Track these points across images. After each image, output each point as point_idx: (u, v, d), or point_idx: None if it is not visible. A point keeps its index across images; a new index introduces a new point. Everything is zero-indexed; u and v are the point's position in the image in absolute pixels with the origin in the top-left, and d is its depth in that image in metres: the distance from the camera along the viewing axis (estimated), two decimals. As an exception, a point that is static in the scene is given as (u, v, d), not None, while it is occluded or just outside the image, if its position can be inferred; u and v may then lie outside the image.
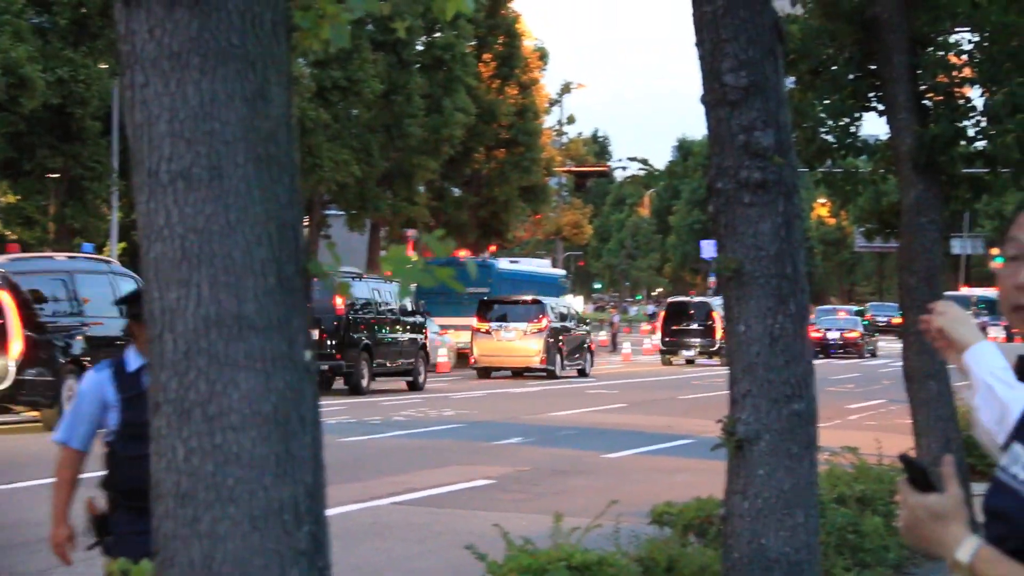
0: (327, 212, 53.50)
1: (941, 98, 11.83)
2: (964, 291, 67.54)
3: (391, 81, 48.28)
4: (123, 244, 41.15)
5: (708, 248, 76.91)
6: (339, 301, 28.71)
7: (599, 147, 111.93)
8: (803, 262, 7.23)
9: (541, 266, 54.46)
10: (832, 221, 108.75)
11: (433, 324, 41.53)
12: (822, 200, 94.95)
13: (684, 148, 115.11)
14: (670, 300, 50.06)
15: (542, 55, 63.41)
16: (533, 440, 20.87)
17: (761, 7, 7.15)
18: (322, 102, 44.15)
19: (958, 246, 76.98)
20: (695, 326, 43.10)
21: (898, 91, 11.65)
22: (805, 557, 6.95)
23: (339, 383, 30.55)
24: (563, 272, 58.71)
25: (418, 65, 51.16)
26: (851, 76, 12.05)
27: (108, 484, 6.22)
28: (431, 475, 16.45)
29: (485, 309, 38.70)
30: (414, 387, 32.78)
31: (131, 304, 6.18)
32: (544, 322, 38.04)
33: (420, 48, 52.02)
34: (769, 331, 7.01)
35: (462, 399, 29.54)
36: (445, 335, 41.89)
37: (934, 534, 2.65)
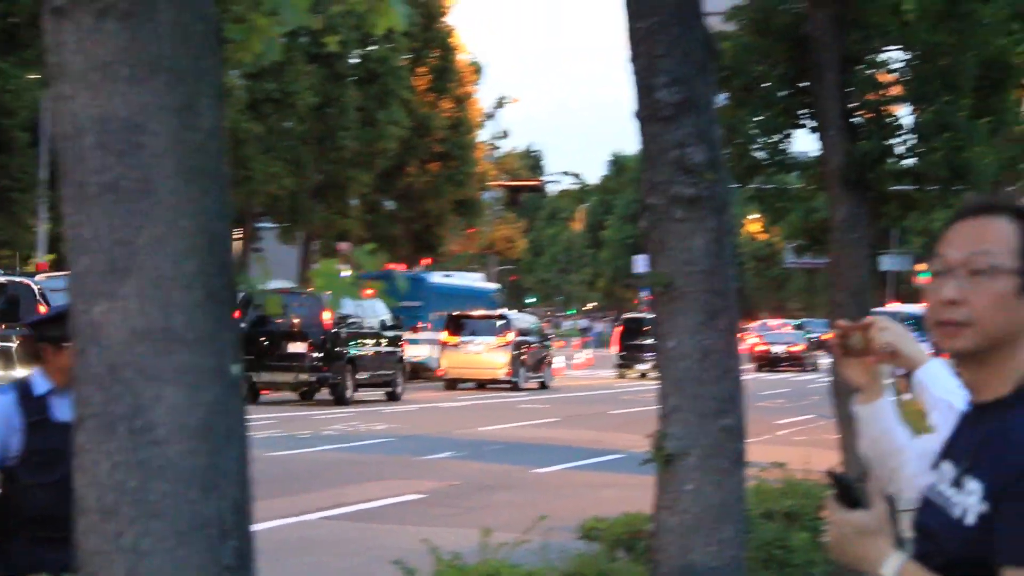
0: (259, 225, 53.25)
1: (871, 116, 11.95)
2: (893, 307, 68.18)
3: (325, 93, 48.17)
4: (51, 256, 40.77)
5: (641, 263, 77.28)
6: (327, 316, 30.31)
7: (533, 161, 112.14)
8: (734, 278, 7.28)
9: (474, 280, 54.50)
10: (763, 237, 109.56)
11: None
12: (753, 216, 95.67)
13: (618, 163, 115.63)
14: (626, 316, 50.83)
15: (476, 69, 63.49)
16: (463, 455, 20.85)
17: (694, 23, 7.20)
18: (255, 114, 43.98)
19: (887, 263, 77.70)
20: (650, 341, 43.54)
21: (829, 108, 11.76)
22: (732, 572, 6.98)
23: (322, 393, 32.15)
24: (496, 286, 58.75)
25: (352, 78, 51.09)
26: (783, 93, 12.15)
27: (4, 512, 5.86)
28: (361, 490, 16.40)
29: (454, 324, 40.16)
30: (393, 397, 33.85)
31: (42, 327, 5.91)
32: (509, 336, 39.52)
33: (354, 61, 51.95)
34: (699, 346, 7.04)
35: (393, 413, 29.46)
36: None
37: (859, 550, 2.67)
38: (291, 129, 47.25)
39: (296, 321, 30.64)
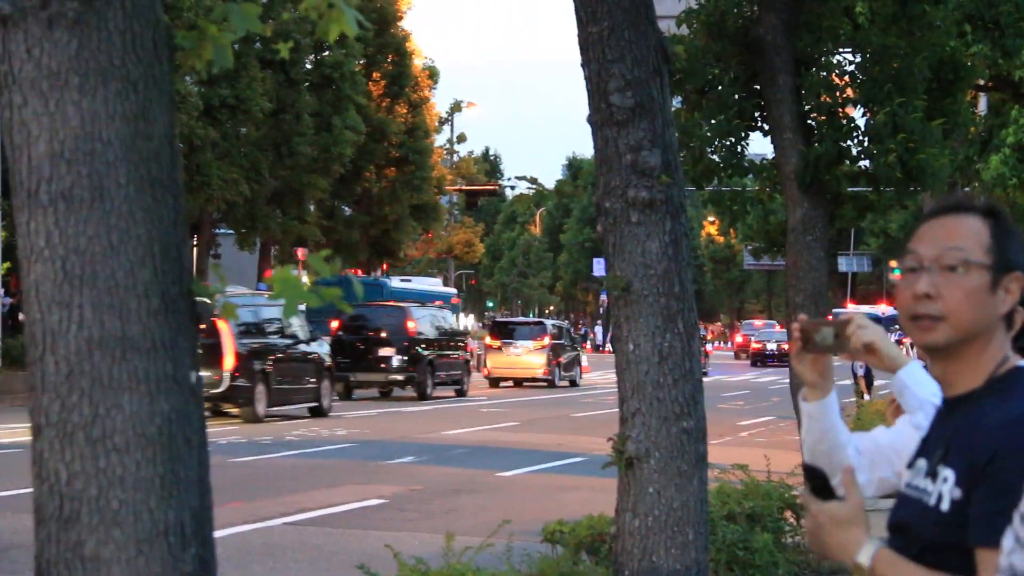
0: (216, 231, 53.05)
1: (824, 118, 12.04)
2: (851, 308, 68.56)
3: (280, 99, 48.02)
4: (7, 264, 40.48)
5: (600, 266, 77.41)
6: (411, 325, 36.07)
7: (490, 166, 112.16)
8: (690, 280, 7.31)
9: (433, 285, 54.45)
10: (721, 239, 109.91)
11: (324, 343, 41.32)
12: (711, 218, 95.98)
13: (574, 166, 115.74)
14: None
15: (432, 74, 63.44)
16: (426, 459, 20.83)
17: (646, 28, 7.23)
18: (210, 120, 43.81)
19: (844, 264, 78.17)
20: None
21: (783, 111, 11.84)
22: (695, 573, 7.01)
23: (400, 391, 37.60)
24: (454, 291, 58.74)
25: (307, 84, 50.95)
26: (736, 96, 12.22)
27: None
28: (323, 495, 16.36)
29: (497, 329, 46.49)
30: (460, 394, 38.92)
31: None
32: (546, 340, 44.67)
33: (309, 67, 51.82)
34: (658, 349, 7.07)
35: (354, 418, 29.41)
36: (337, 355, 41.66)
37: (836, 540, 2.73)
38: (247, 135, 47.09)
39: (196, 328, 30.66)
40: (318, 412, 29.92)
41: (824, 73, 11.93)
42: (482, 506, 15.53)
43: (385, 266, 64.37)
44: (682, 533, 6.97)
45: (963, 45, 12.52)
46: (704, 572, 7.09)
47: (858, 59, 12.14)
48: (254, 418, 26.94)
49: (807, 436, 3.39)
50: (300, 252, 54.88)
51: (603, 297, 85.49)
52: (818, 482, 2.79)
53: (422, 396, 36.43)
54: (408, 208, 60.11)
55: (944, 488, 2.66)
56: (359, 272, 53.89)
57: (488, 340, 45.78)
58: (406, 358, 35.88)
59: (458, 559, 7.40)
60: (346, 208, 59.02)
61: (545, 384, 44.76)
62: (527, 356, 44.31)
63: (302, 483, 17.50)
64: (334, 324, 35.74)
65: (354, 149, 52.55)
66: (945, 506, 2.64)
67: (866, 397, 27.40)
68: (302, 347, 29.52)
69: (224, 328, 26.06)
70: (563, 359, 45.57)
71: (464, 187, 71.46)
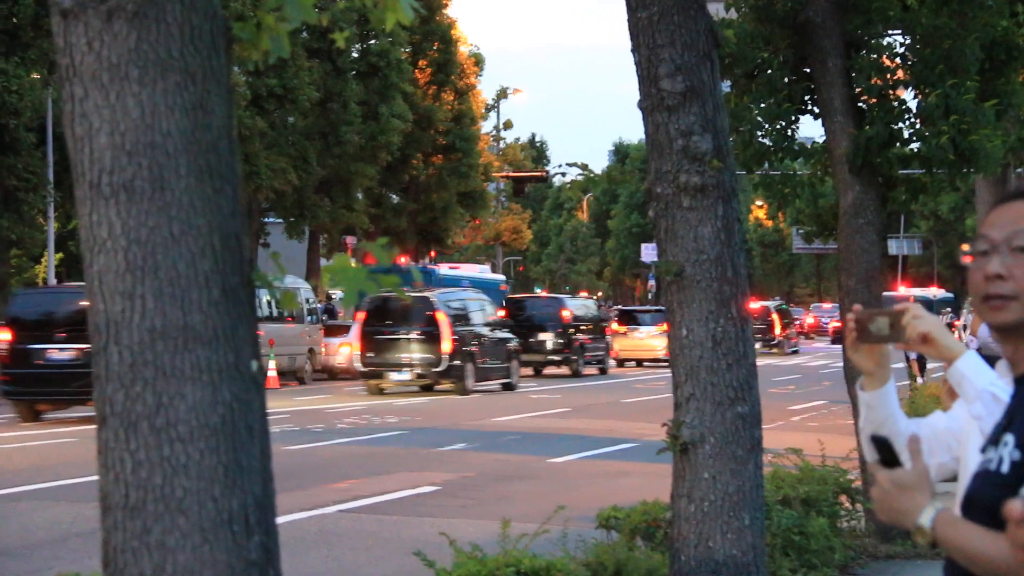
0: (265, 220, 53.29)
1: (875, 100, 11.94)
2: (902, 291, 68.20)
3: (327, 88, 48.19)
4: (60, 255, 40.81)
5: (648, 252, 77.25)
6: (566, 313, 42.29)
7: (537, 152, 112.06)
8: (744, 265, 7.29)
9: (481, 271, 54.52)
10: (770, 223, 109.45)
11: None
12: (759, 202, 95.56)
13: (621, 152, 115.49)
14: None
15: (478, 61, 63.46)
16: (477, 446, 20.88)
17: (696, 12, 7.21)
18: (258, 110, 44.00)
19: (895, 246, 77.68)
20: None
21: (833, 94, 11.75)
22: (752, 559, 7.00)
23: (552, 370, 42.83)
24: (503, 277, 58.79)
25: (354, 72, 51.10)
26: (786, 79, 12.14)
27: None
28: (377, 482, 16.43)
29: (624, 316, 51.84)
30: (603, 372, 44.40)
31: None
32: (665, 325, 50.24)
33: (355, 55, 51.95)
34: (711, 334, 7.06)
35: (405, 406, 29.50)
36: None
37: (900, 504, 2.80)
38: (294, 124, 47.27)
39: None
40: (509, 387, 35.21)
41: (874, 55, 11.83)
42: (535, 492, 15.55)
43: (433, 253, 64.50)
44: (738, 518, 6.96)
45: (1015, 25, 12.36)
46: (761, 557, 7.08)
47: (908, 40, 12.03)
48: (463, 391, 32.85)
49: (865, 425, 3.40)
50: (348, 240, 55.06)
51: (651, 282, 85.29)
52: (885, 452, 2.87)
53: (575, 374, 42.22)
54: (455, 195, 60.21)
55: (1004, 452, 2.75)
56: (409, 259, 53.97)
57: (615, 326, 50.23)
58: (562, 341, 42.16)
59: (514, 545, 7.42)
60: (394, 196, 59.16)
61: (666, 364, 48.12)
62: (650, 339, 49.65)
63: (355, 471, 17.58)
64: (500, 312, 38.22)
65: (401, 137, 52.67)
66: (1005, 468, 2.73)
67: (919, 380, 27.25)
68: (497, 333, 35.26)
69: (443, 318, 32.40)
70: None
71: (511, 174, 71.49)
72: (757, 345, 62.47)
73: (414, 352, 32.73)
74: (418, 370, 32.82)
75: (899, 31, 12.17)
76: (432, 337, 32.31)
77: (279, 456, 3.32)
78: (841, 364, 12.15)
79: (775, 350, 59.33)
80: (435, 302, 32.95)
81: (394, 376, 33.16)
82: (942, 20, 11.67)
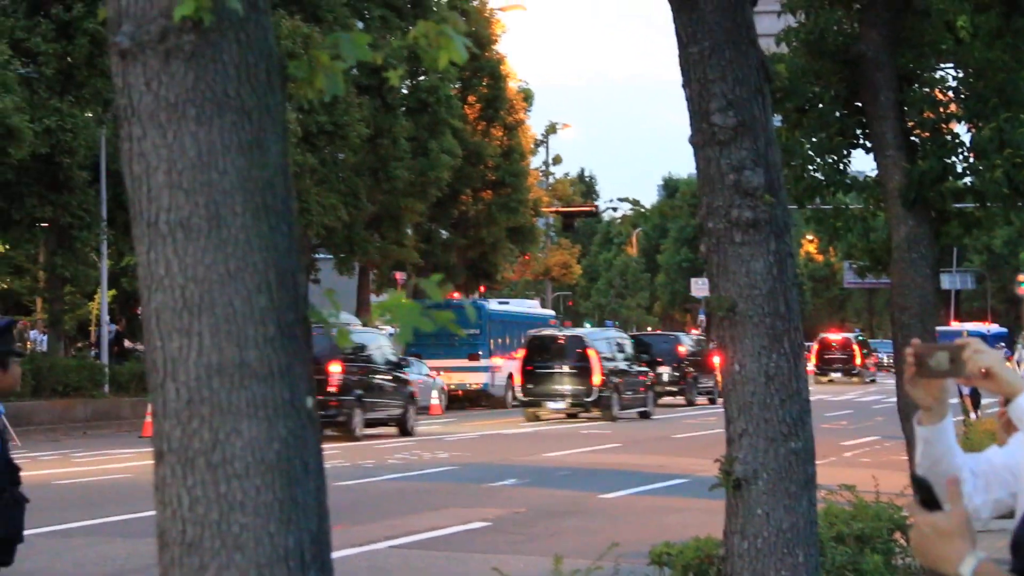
0: (316, 256, 53.51)
1: (928, 134, 11.89)
2: (955, 326, 67.70)
3: (376, 125, 48.41)
4: (113, 292, 41.11)
5: (698, 286, 77.03)
6: (682, 348, 47.64)
7: (586, 186, 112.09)
8: (796, 300, 7.26)
9: (530, 307, 54.53)
10: (821, 258, 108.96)
11: (423, 366, 41.55)
12: (810, 237, 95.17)
13: (670, 187, 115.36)
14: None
15: (527, 96, 63.59)
16: (528, 481, 20.84)
17: (747, 47, 7.20)
18: (308, 147, 44.24)
19: (948, 281, 77.12)
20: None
21: (885, 128, 11.71)
22: (805, 595, 6.94)
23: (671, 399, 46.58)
24: (552, 312, 58.75)
25: (403, 108, 51.32)
26: (838, 113, 12.11)
27: None
28: (427, 518, 16.42)
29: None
30: (712, 402, 46.63)
31: None
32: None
33: (405, 91, 52.18)
34: (764, 370, 7.02)
35: (455, 441, 29.50)
36: (436, 377, 41.89)
37: (940, 551, 2.74)
38: (344, 161, 47.50)
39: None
40: (645, 415, 39.40)
41: (927, 89, 11.79)
42: (586, 528, 15.50)
43: (482, 288, 64.54)
44: (792, 555, 6.91)
45: (1069, 58, 12.30)
46: (814, 594, 7.02)
47: (961, 74, 11.98)
48: (611, 418, 37.32)
49: (922, 460, 3.36)
50: (398, 276, 55.19)
51: (701, 317, 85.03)
52: (925, 494, 2.81)
53: (689, 403, 47.19)
54: (505, 230, 60.27)
55: None
56: (459, 295, 54.06)
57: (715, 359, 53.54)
58: (677, 374, 47.25)
59: (566, 582, 7.39)
60: (443, 231, 59.28)
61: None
62: None
63: (406, 506, 17.58)
64: (522, 351, 40.50)
65: (451, 172, 52.82)
66: None
67: (973, 416, 27.01)
68: (635, 367, 39.99)
69: (593, 355, 37.37)
70: None
71: (560, 209, 71.42)
72: (838, 374, 64.81)
73: (567, 384, 37.49)
74: (571, 400, 37.49)
75: (952, 64, 12.13)
76: (584, 371, 37.30)
77: (330, 491, 3.33)
78: (894, 400, 12.06)
79: (855, 379, 64.51)
80: (587, 340, 38.74)
81: (550, 405, 37.82)
82: (995, 53, 11.62)
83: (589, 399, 37.46)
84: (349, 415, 30.07)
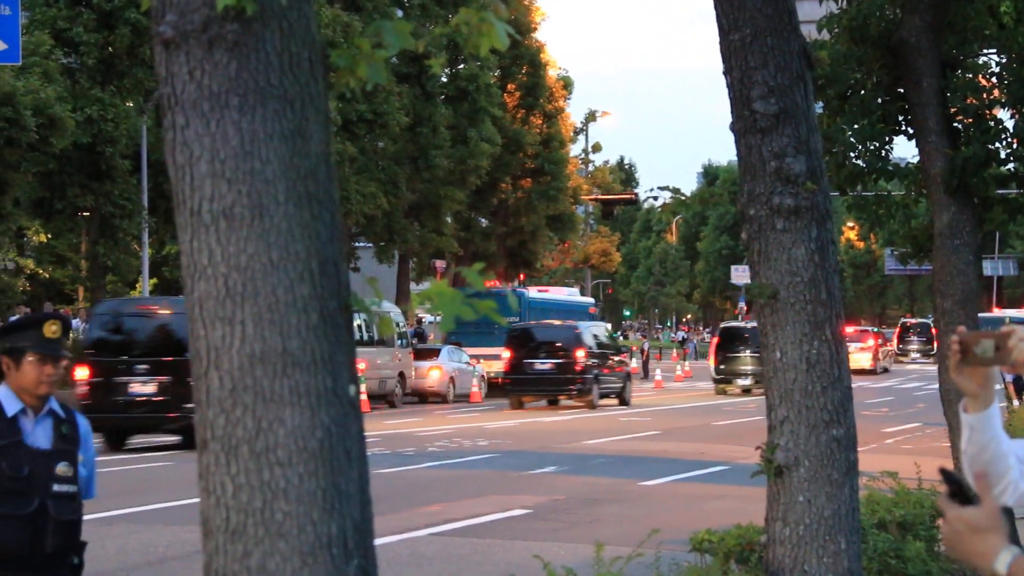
0: (356, 244, 53.64)
1: (971, 120, 11.82)
2: (997, 313, 67.28)
3: (416, 113, 48.45)
4: (154, 280, 41.32)
5: (739, 273, 76.80)
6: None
7: (625, 174, 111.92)
8: (837, 287, 7.23)
9: (570, 295, 54.47)
10: (861, 244, 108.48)
11: (463, 354, 41.62)
12: (851, 223, 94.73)
13: (710, 174, 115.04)
14: (724, 326, 52.88)
15: (566, 84, 63.51)
16: (567, 469, 20.84)
17: (789, 34, 7.17)
18: (348, 135, 44.33)
19: (989, 267, 76.64)
20: (749, 353, 44.92)
21: (928, 114, 11.65)
22: (847, 583, 6.92)
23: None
24: (592, 300, 58.70)
25: (443, 96, 51.36)
26: (880, 100, 12.06)
27: None
28: (468, 505, 16.45)
29: None
30: None
31: (2, 338, 5.17)
32: (869, 342, 61.16)
33: (444, 80, 52.21)
34: (806, 357, 7.00)
35: (495, 429, 29.53)
36: (476, 365, 41.95)
37: (973, 546, 2.71)
38: (384, 149, 47.58)
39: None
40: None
41: (970, 75, 11.72)
42: (626, 515, 15.49)
43: (522, 276, 64.54)
44: (834, 542, 6.89)
45: (1113, 42, 12.19)
46: (856, 582, 7.00)
47: (1005, 60, 11.91)
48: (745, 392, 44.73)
49: (968, 447, 3.35)
50: (438, 264, 55.26)
51: (741, 304, 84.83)
52: (955, 487, 2.78)
53: None
54: (544, 218, 60.26)
55: None
56: (499, 283, 54.08)
57: None
58: None
59: (608, 569, 7.40)
60: (483, 220, 59.31)
61: (873, 374, 60.12)
62: (857, 355, 56.93)
63: (446, 494, 17.61)
64: (715, 339, 47.30)
65: (490, 161, 52.83)
66: None
67: (1015, 403, 26.85)
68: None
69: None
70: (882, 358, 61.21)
71: (600, 196, 71.32)
72: (917, 355, 70.33)
73: (752, 365, 43.76)
74: (753, 378, 43.61)
75: (995, 50, 12.05)
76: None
77: (370, 480, 3.34)
78: (936, 386, 12.00)
79: (933, 359, 67.23)
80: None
81: (739, 382, 45.35)
82: (1038, 38, 11.55)
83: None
84: None
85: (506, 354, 38.33)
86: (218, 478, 3.20)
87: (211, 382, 3.24)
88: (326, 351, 3.28)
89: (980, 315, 12.51)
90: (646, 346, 68.74)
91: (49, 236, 39.94)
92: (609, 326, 48.03)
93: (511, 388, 38.40)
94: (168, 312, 24.93)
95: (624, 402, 39.96)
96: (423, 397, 40.32)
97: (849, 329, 71.90)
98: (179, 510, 14.82)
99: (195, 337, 3.28)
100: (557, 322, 40.90)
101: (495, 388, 41.45)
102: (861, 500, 8.11)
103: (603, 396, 38.92)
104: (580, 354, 37.70)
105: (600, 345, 39.90)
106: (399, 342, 38.53)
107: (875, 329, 73.61)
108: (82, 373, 24.69)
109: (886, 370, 64.17)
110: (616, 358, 40.75)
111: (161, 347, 24.65)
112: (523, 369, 38.03)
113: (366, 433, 3.42)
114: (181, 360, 23.31)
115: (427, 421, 32.32)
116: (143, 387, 24.44)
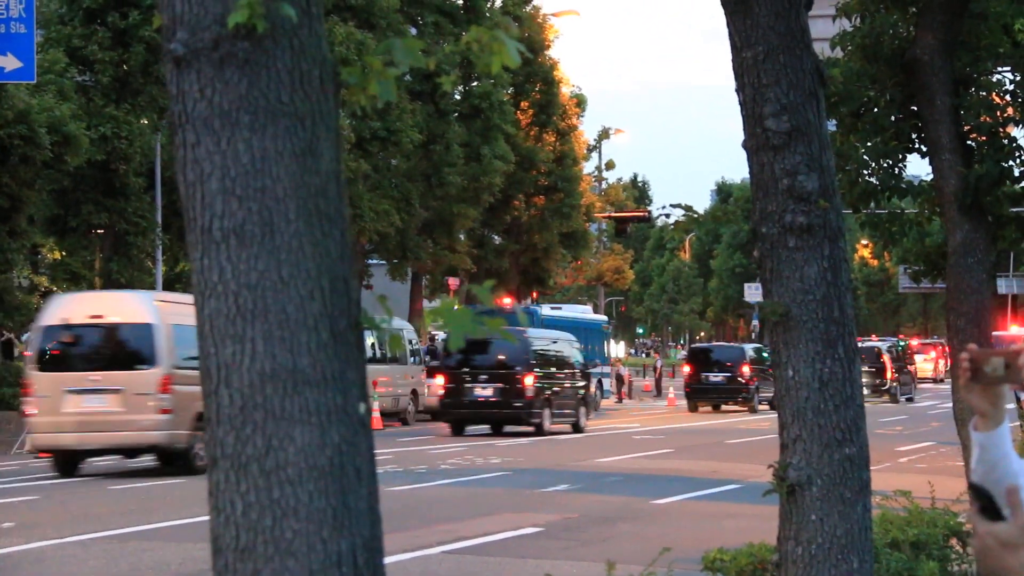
0: (369, 262, 53.68)
1: (985, 138, 11.80)
2: (1013, 331, 67.03)
3: (429, 130, 48.50)
4: (167, 298, 41.31)
5: (752, 291, 76.70)
6: (885, 355, 55.16)
7: (639, 192, 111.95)
8: (850, 305, 7.21)
9: (583, 312, 54.43)
10: (875, 262, 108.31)
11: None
12: (864, 241, 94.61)
13: (723, 191, 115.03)
14: (693, 347, 57.18)
15: (579, 101, 63.55)
16: (580, 487, 20.81)
17: (801, 51, 7.16)
18: (362, 153, 44.39)
19: (1004, 285, 76.38)
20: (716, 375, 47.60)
21: (941, 132, 11.63)
22: (860, 602, 6.89)
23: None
24: (605, 318, 58.63)
25: (456, 114, 51.41)
26: (893, 118, 12.05)
27: None
28: (480, 523, 16.42)
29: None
30: (894, 400, 55.34)
31: None
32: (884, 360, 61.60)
33: (458, 97, 52.28)
34: (818, 375, 6.98)
35: (508, 446, 29.50)
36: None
37: (1005, 562, 2.70)
38: (397, 167, 47.62)
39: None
40: (894, 399, 53.03)
41: (983, 92, 11.71)
42: (638, 534, 15.46)
43: (535, 294, 64.52)
44: (846, 561, 6.86)
45: None
46: (869, 602, 6.97)
47: (1019, 77, 11.90)
48: (895, 401, 52.73)
49: (978, 466, 3.33)
50: (451, 281, 55.26)
51: (755, 322, 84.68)
52: (985, 502, 2.77)
53: (893, 400, 53.95)
54: (557, 236, 60.25)
55: None
56: (512, 300, 54.04)
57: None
58: (887, 371, 55.48)
59: (619, 588, 7.37)
60: (496, 237, 59.33)
61: (940, 383, 64.15)
62: (923, 364, 64.00)
63: (458, 511, 17.59)
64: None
65: (503, 178, 52.85)
66: None
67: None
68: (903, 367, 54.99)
69: (887, 358, 54.99)
70: (901, 378, 61.09)
71: (613, 214, 71.26)
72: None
73: (868, 378, 48.08)
74: (869, 390, 47.59)
75: (1009, 68, 12.03)
76: (880, 369, 53.47)
77: (382, 497, 3.34)
78: (949, 405, 11.96)
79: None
80: (881, 349, 55.13)
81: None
82: (1052, 56, 11.53)
83: (883, 388, 53.57)
84: None
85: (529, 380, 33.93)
86: (228, 496, 3.20)
87: (221, 400, 3.23)
88: (336, 369, 3.28)
89: (995, 333, 12.48)
90: (659, 364, 68.63)
91: (63, 253, 40.01)
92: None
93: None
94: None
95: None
96: (435, 415, 40.30)
97: (914, 342, 73.52)
98: (191, 528, 14.83)
99: (205, 355, 3.28)
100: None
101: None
102: (874, 519, 8.09)
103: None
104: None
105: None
106: (412, 360, 38.50)
107: (936, 339, 76.87)
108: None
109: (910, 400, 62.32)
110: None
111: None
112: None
113: (380, 451, 3.41)
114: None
115: (439, 439, 32.28)
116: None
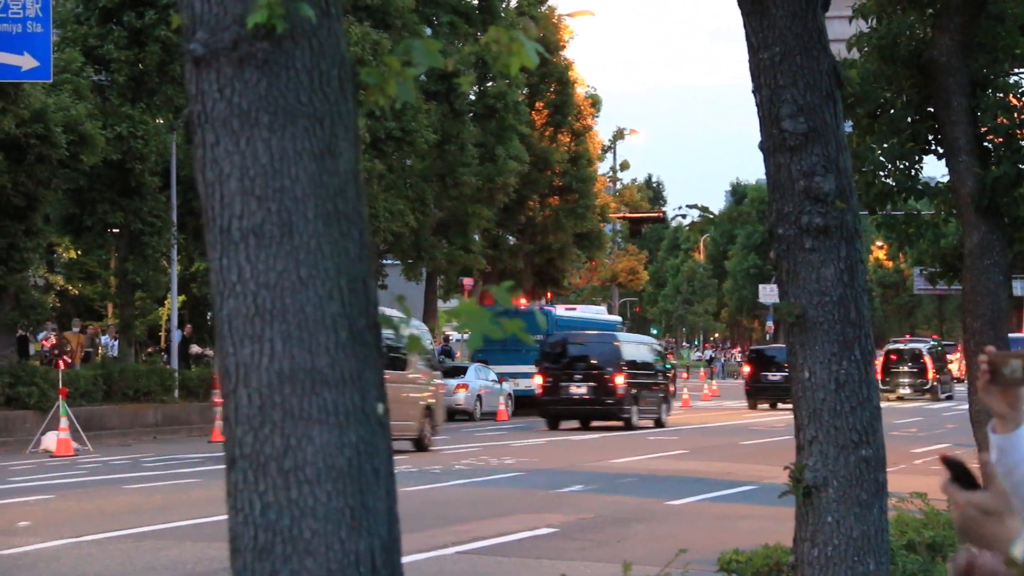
0: (383, 262, 53.69)
1: (1002, 140, 11.79)
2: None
3: (444, 131, 48.50)
4: (183, 297, 41.43)
5: (766, 293, 76.60)
6: (926, 356, 58.08)
7: (653, 192, 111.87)
8: (867, 307, 7.20)
9: (597, 313, 54.41)
10: (890, 264, 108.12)
11: (490, 372, 41.60)
12: (879, 243, 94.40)
13: (738, 192, 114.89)
14: (754, 349, 58.80)
15: (594, 102, 63.51)
16: (595, 487, 20.80)
17: (818, 53, 7.16)
18: (376, 153, 44.39)
19: (1020, 287, 76.14)
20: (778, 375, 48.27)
21: (958, 133, 11.61)
22: (876, 604, 6.88)
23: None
24: (619, 319, 58.61)
25: (471, 114, 51.40)
26: (909, 119, 12.04)
27: None
28: (494, 524, 16.42)
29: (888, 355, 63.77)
30: (936, 399, 58.25)
31: None
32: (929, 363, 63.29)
33: (473, 98, 52.28)
34: (834, 377, 6.97)
35: (522, 447, 29.49)
36: (503, 383, 41.91)
37: (990, 530, 2.71)
38: (412, 167, 47.62)
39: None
40: (935, 397, 56.54)
41: (1000, 94, 11.70)
42: (653, 535, 15.45)
43: (549, 294, 64.50)
44: (862, 563, 6.86)
45: None
46: (885, 604, 6.96)
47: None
48: (936, 400, 55.74)
49: (997, 468, 3.32)
50: (466, 282, 55.27)
51: (769, 323, 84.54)
52: (958, 471, 2.77)
53: (935, 397, 56.89)
54: (572, 236, 60.21)
55: None
56: (526, 300, 54.04)
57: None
58: (929, 370, 57.91)
59: (634, 589, 7.37)
60: (510, 237, 59.30)
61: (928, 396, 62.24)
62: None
63: (473, 512, 17.59)
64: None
65: (518, 178, 52.82)
66: None
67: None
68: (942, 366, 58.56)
69: (928, 359, 57.72)
70: (942, 377, 62.75)
71: (628, 215, 71.28)
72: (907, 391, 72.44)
73: (909, 378, 55.87)
74: (911, 389, 55.15)
75: (1025, 69, 12.02)
76: (923, 370, 56.72)
77: (398, 497, 3.34)
78: (965, 407, 11.94)
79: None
80: (924, 350, 58.25)
81: (900, 391, 55.52)
82: (1069, 57, 11.51)
83: (925, 388, 56.61)
84: None
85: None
86: (246, 496, 3.20)
87: (240, 400, 3.24)
88: (355, 369, 3.28)
89: (1011, 335, 12.45)
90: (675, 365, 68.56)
91: (79, 252, 40.09)
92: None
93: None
94: None
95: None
96: (450, 415, 40.29)
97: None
98: (208, 527, 14.85)
99: (224, 355, 3.28)
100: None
101: (521, 405, 41.40)
102: (890, 521, 8.07)
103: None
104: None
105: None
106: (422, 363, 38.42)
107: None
108: None
109: (949, 398, 63.48)
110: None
111: None
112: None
113: (394, 451, 3.41)
114: None
115: (454, 439, 32.29)
116: None
